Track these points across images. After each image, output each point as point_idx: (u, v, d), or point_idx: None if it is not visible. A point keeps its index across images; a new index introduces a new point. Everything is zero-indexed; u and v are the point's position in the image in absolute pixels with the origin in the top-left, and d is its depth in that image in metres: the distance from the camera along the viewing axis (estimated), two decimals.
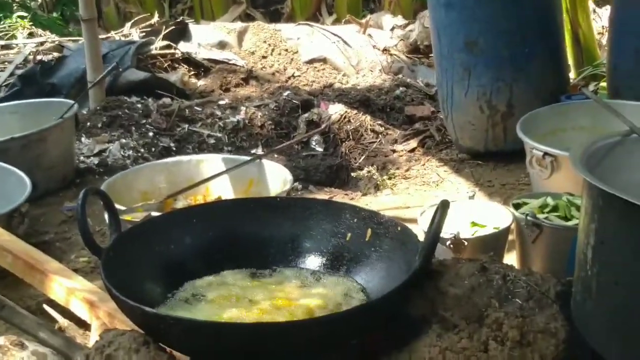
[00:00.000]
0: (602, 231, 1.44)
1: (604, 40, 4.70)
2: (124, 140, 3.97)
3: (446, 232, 2.23)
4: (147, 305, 1.60)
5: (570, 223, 2.25)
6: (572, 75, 4.56)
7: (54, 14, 7.65)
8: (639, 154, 1.69)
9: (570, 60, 4.56)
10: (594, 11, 5.44)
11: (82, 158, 3.85)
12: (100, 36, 4.98)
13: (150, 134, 4.09)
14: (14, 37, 6.11)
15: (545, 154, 2.76)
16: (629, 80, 3.35)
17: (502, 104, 3.61)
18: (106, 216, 1.88)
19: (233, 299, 1.79)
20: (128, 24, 5.90)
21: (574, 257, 1.60)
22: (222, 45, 5.61)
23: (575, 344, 1.57)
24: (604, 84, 4.01)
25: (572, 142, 2.51)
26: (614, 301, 1.44)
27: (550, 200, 2.37)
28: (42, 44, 5.53)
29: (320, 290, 1.84)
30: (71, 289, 2.14)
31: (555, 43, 3.72)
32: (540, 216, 2.29)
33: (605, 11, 5.24)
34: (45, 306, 2.37)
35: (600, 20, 5.37)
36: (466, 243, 2.28)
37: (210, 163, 3.04)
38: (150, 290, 1.82)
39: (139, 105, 4.37)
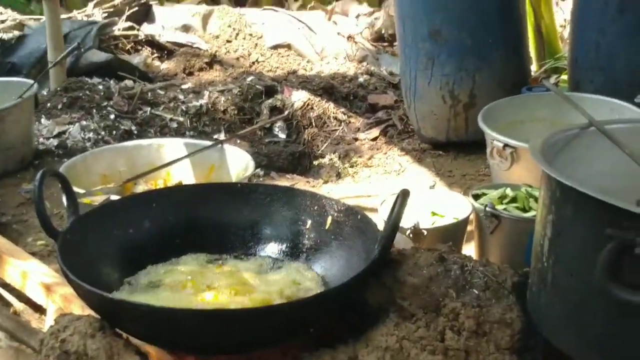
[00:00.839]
0: (559, 223, 1.46)
1: (566, 34, 4.74)
2: (84, 123, 3.92)
3: (406, 222, 2.24)
4: (103, 290, 1.59)
5: (528, 214, 2.27)
6: (534, 67, 4.59)
7: None
8: (597, 147, 1.70)
9: (532, 53, 4.60)
10: (557, 4, 5.48)
11: (41, 139, 3.79)
12: (63, 15, 4.92)
13: (112, 116, 4.04)
14: None
15: (506, 145, 2.78)
16: (589, 74, 3.38)
17: (464, 94, 3.63)
18: (64, 199, 1.85)
19: (190, 285, 1.78)
20: (91, 4, 5.82)
21: (531, 248, 1.61)
22: (186, 28, 5.57)
23: (531, 334, 1.59)
24: (565, 76, 4.05)
25: (533, 134, 2.52)
26: (568, 293, 1.46)
27: (509, 192, 2.39)
28: (2, 22, 5.43)
29: (279, 278, 1.84)
30: (27, 272, 2.12)
31: (518, 34, 3.74)
32: (499, 207, 2.31)
33: (568, 4, 5.28)
34: (0, 289, 2.34)
35: (562, 13, 5.41)
36: (425, 233, 2.30)
37: (172, 147, 3.02)
38: (108, 274, 1.80)
39: (101, 87, 4.32)
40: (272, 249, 1.98)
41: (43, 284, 2.06)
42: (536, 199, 2.28)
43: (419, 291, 1.65)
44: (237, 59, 5.32)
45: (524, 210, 2.32)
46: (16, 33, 5.08)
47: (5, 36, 5.03)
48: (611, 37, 3.26)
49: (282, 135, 4.19)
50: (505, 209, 2.31)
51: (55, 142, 3.78)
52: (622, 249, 1.28)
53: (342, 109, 4.39)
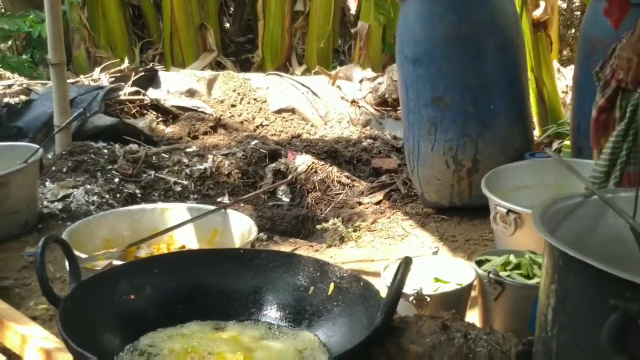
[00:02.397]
0: (563, 292, 1.45)
1: (568, 99, 4.78)
2: (88, 186, 3.94)
3: (409, 288, 2.23)
4: (104, 357, 1.58)
5: (532, 281, 2.26)
6: (536, 132, 4.62)
7: (24, 56, 7.62)
8: (599, 215, 1.70)
9: (535, 118, 4.64)
10: (559, 70, 5.55)
11: (45, 203, 3.80)
12: (69, 80, 4.98)
13: (116, 180, 4.06)
14: None
15: (509, 210, 2.78)
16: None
17: (467, 159, 3.65)
18: (66, 264, 1.85)
19: (192, 352, 1.76)
20: (98, 69, 5.90)
21: (535, 316, 1.60)
22: (191, 92, 5.63)
23: None
24: (567, 142, 4.07)
25: (536, 200, 2.53)
26: None
27: (512, 258, 2.39)
28: (9, 86, 5.50)
29: (281, 345, 1.82)
30: (26, 337, 2.10)
31: (520, 101, 3.77)
32: (503, 274, 2.30)
33: (569, 71, 5.35)
34: (0, 355, 2.32)
35: (564, 79, 5.48)
36: (429, 299, 2.29)
37: (175, 212, 3.02)
38: (109, 341, 1.79)
39: (106, 151, 4.35)
40: (275, 315, 1.96)
41: (43, 349, 2.04)
42: (540, 266, 2.28)
43: None
44: (242, 122, 5.36)
45: (528, 277, 2.31)
46: (23, 98, 5.14)
47: (12, 101, 5.09)
48: None
49: (286, 199, 4.19)
50: (509, 276, 2.31)
51: (59, 205, 3.79)
52: (626, 320, 1.27)
53: (346, 173, 4.41)
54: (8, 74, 6.25)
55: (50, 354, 2.01)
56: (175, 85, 5.67)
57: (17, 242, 3.45)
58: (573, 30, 7.55)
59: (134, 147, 4.53)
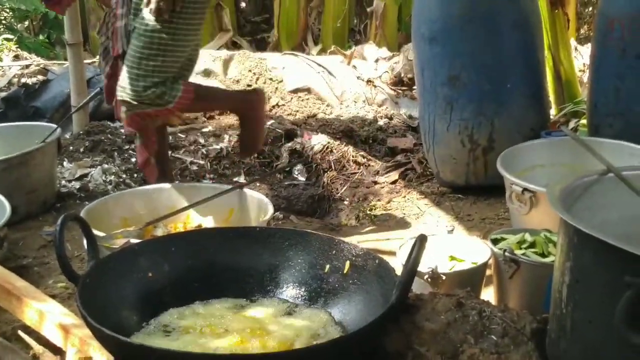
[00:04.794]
0: (577, 270, 1.45)
1: (585, 78, 4.75)
2: (106, 166, 3.97)
3: (424, 266, 2.24)
4: (122, 334, 1.60)
5: (547, 260, 2.26)
6: (553, 111, 4.60)
7: (40, 37, 7.65)
8: (616, 193, 1.70)
9: (552, 97, 4.61)
10: (576, 49, 5.50)
11: (63, 182, 3.84)
12: (86, 60, 4.99)
13: (133, 159, 4.08)
14: None
15: (525, 189, 2.78)
16: (608, 119, 3.38)
17: (483, 139, 3.64)
18: (84, 242, 1.87)
19: (208, 329, 1.79)
20: None
21: (550, 294, 1.61)
22: (207, 73, 5.63)
23: None
24: (584, 121, 4.05)
25: (552, 179, 2.53)
26: (587, 340, 1.45)
27: (528, 237, 2.39)
28: (27, 67, 5.53)
29: (297, 322, 1.84)
30: (44, 313, 2.13)
31: (537, 79, 3.75)
32: (518, 252, 2.30)
33: (587, 49, 5.31)
34: (20, 332, 2.35)
35: (581, 58, 5.44)
36: (444, 277, 2.29)
37: (192, 191, 3.04)
38: (127, 318, 1.81)
39: (122, 130, 4.37)
40: (290, 293, 1.98)
41: (61, 325, 2.06)
42: (555, 244, 2.28)
43: (437, 337, 1.65)
44: None
45: (543, 255, 2.31)
46: (40, 78, 5.17)
47: (30, 81, 5.12)
48: (630, 83, 3.27)
49: (302, 179, 4.20)
50: (524, 254, 2.31)
51: (77, 185, 3.82)
52: None
53: (362, 153, 4.42)
54: (25, 54, 6.29)
55: (69, 330, 2.03)
56: None
57: (36, 221, 3.48)
58: (590, 8, 7.49)
59: None
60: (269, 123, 4.60)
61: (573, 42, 5.47)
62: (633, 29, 3.21)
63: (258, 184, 3.91)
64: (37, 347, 2.25)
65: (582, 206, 1.66)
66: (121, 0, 3.11)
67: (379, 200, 3.90)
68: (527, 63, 3.68)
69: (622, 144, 3.04)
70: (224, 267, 2.00)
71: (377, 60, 5.80)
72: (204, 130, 4.60)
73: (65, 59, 5.20)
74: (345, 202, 3.78)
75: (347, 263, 1.92)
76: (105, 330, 1.55)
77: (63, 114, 4.48)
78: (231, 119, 5.00)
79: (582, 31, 7.13)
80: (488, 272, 2.48)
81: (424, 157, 4.13)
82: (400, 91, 5.45)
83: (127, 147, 4.19)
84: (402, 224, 3.59)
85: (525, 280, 2.28)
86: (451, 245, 2.51)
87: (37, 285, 2.53)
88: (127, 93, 3.01)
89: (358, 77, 5.56)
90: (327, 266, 1.96)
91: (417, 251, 1.67)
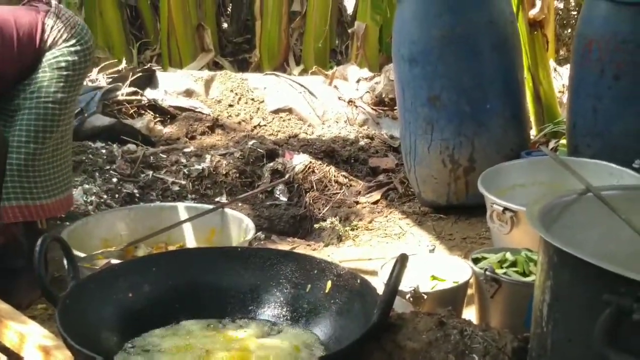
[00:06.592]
0: (557, 288, 1.46)
1: (565, 99, 4.80)
2: (87, 186, 3.95)
3: (406, 286, 2.24)
4: (103, 355, 1.58)
5: (528, 279, 2.27)
6: (533, 132, 4.64)
7: None
8: (595, 212, 1.72)
9: (532, 117, 4.65)
10: (555, 70, 5.56)
11: None
12: None
13: (114, 180, 4.07)
14: None
15: (505, 209, 2.79)
16: (587, 139, 3.41)
17: (464, 159, 3.66)
18: (65, 263, 1.86)
19: (189, 350, 1.78)
20: (95, 69, 5.90)
21: (531, 312, 1.61)
22: (188, 93, 5.64)
23: None
24: (564, 141, 4.08)
25: (533, 198, 2.54)
26: (567, 358, 1.45)
27: (509, 256, 2.40)
28: None
29: (279, 342, 1.84)
30: (24, 335, 2.11)
31: (517, 100, 3.78)
32: (499, 271, 2.31)
33: (566, 70, 5.36)
34: (0, 354, 2.33)
35: (561, 79, 5.49)
36: (425, 297, 2.30)
37: (173, 211, 3.04)
38: (107, 339, 1.80)
39: (104, 151, 4.36)
40: (272, 312, 1.98)
41: (41, 346, 2.05)
42: (536, 263, 2.29)
43: (419, 356, 1.65)
44: (239, 123, 5.37)
45: (524, 274, 2.32)
46: None
47: None
48: (608, 103, 3.30)
49: (284, 199, 4.20)
50: (505, 273, 2.32)
51: None
52: (619, 315, 1.28)
53: (343, 172, 4.42)
54: None
55: (49, 352, 2.02)
56: (172, 86, 5.67)
57: None
58: (569, 30, 7.56)
59: (132, 147, 4.54)
60: (250, 143, 4.60)
61: (552, 63, 5.52)
62: (610, 50, 3.25)
63: (240, 204, 3.90)
64: None
65: (562, 225, 1.67)
66: None
67: (360, 219, 3.91)
68: (506, 84, 3.71)
69: (600, 163, 3.06)
70: (206, 288, 2.00)
71: (358, 81, 5.82)
72: (186, 150, 4.60)
73: None
74: (327, 222, 3.77)
75: (329, 283, 1.92)
76: (85, 351, 1.54)
77: None
78: (213, 139, 5.00)
79: (561, 52, 7.19)
80: (469, 291, 2.49)
81: (406, 177, 4.15)
82: (381, 111, 5.47)
83: (107, 167, 4.17)
84: (384, 243, 3.60)
85: (506, 299, 2.28)
86: (433, 265, 2.52)
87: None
88: None
89: (339, 98, 5.58)
90: (309, 286, 1.96)
91: (398, 270, 1.68)
